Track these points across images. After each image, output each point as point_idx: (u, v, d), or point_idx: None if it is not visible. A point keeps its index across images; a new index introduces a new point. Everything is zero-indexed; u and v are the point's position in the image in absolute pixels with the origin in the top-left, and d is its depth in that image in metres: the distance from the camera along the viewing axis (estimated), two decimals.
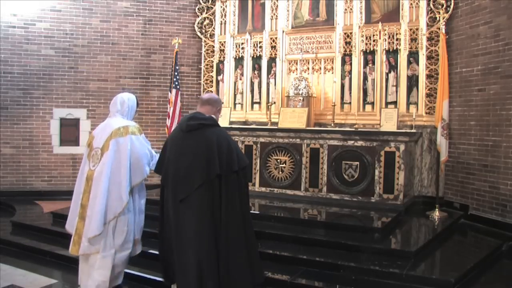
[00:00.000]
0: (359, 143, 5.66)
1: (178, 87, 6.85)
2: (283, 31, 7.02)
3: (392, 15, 6.33)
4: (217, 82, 7.61)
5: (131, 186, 3.35)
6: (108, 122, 3.52)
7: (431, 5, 6.08)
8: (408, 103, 6.20)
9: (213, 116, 3.15)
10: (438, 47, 5.94)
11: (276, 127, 6.25)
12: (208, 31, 7.70)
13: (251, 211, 5.47)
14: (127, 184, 3.30)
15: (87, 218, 3.29)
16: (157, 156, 3.46)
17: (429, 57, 6.13)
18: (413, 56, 6.18)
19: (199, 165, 2.94)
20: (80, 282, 3.45)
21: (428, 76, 6.13)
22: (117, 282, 3.46)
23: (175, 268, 3.07)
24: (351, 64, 6.53)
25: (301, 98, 6.50)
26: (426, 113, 6.11)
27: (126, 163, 3.31)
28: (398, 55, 6.25)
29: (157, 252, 3.51)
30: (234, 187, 2.99)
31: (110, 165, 3.29)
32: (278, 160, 6.14)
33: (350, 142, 5.71)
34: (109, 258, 3.31)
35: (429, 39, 6.11)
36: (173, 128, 6.68)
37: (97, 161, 3.36)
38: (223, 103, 3.34)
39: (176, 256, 3.04)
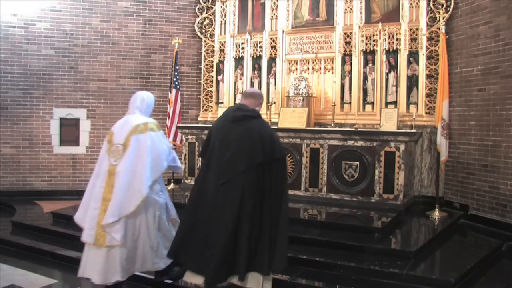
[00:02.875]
0: (359, 143, 5.65)
1: (178, 87, 6.85)
2: (283, 31, 7.02)
3: (392, 15, 6.33)
4: (217, 82, 7.61)
5: (152, 180, 3.50)
6: (127, 118, 3.65)
7: (431, 5, 6.08)
8: (408, 103, 6.20)
9: (256, 108, 3.44)
10: (438, 47, 5.94)
11: (276, 127, 6.22)
12: (208, 31, 7.70)
13: None
14: (147, 178, 3.43)
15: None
16: (173, 152, 3.74)
17: (429, 57, 6.13)
18: (413, 56, 6.18)
19: (243, 153, 3.21)
20: (83, 273, 3.43)
21: (428, 76, 6.13)
22: (119, 278, 3.43)
23: (195, 246, 3.25)
24: (351, 64, 6.53)
25: (301, 98, 6.50)
26: (426, 113, 6.11)
27: (146, 158, 3.46)
28: (398, 55, 6.25)
29: None
30: (274, 174, 3.23)
31: (130, 160, 3.44)
32: None
33: (350, 142, 5.71)
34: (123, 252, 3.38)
35: (429, 39, 6.11)
36: (172, 128, 6.75)
37: (119, 156, 3.48)
38: (262, 100, 3.73)
39: (203, 234, 3.22)
